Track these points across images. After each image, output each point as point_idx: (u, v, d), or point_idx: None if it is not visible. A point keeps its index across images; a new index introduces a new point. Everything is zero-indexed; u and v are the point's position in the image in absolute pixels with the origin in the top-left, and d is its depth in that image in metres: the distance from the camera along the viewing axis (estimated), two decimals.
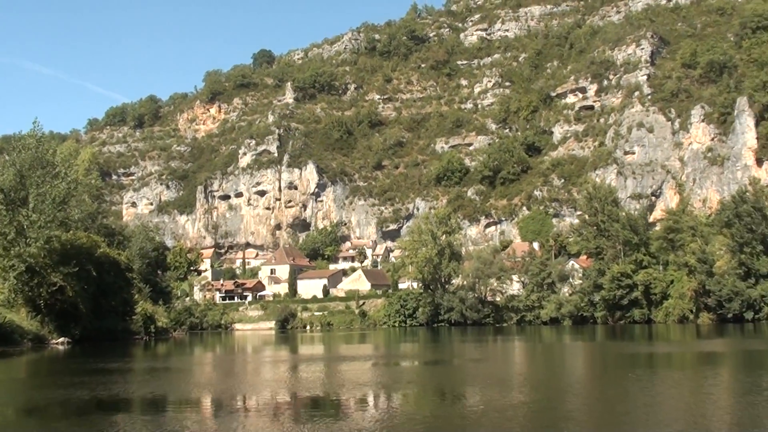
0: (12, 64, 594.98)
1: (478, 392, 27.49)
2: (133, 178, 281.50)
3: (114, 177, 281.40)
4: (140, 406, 26.13)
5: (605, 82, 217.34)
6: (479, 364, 44.71)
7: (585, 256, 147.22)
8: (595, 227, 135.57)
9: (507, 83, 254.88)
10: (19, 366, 52.55)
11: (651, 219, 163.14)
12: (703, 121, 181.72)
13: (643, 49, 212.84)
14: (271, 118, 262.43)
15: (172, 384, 33.21)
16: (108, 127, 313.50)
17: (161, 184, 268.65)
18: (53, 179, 75.41)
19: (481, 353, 57.83)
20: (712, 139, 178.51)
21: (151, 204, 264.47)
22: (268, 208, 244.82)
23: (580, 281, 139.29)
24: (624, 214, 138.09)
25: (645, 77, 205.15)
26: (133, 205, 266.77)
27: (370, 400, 26.32)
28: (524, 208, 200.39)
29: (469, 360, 48.98)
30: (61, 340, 73.14)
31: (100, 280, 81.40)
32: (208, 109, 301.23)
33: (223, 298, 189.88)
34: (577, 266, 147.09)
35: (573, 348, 66.47)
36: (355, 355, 58.09)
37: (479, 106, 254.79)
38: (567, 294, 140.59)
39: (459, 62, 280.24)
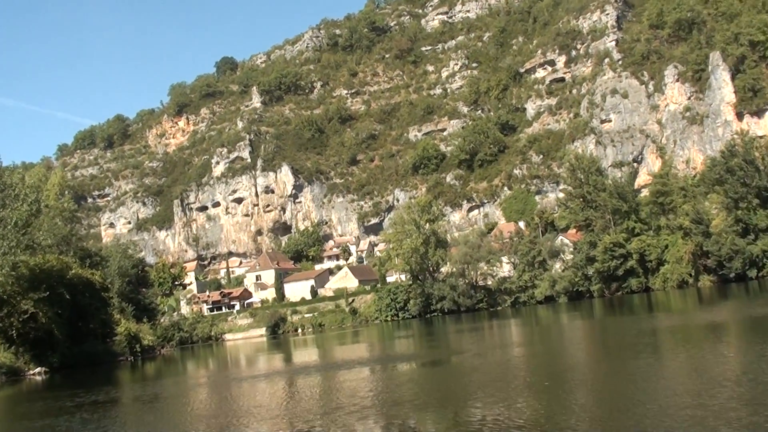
0: None
1: (480, 403, 24.38)
2: (109, 198, 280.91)
3: (89, 200, 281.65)
4: None
5: (573, 53, 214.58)
6: (479, 361, 41.58)
7: (574, 230, 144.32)
8: (581, 199, 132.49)
9: (474, 64, 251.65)
10: None
11: (636, 185, 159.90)
12: (677, 80, 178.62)
13: (608, 14, 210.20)
14: (240, 125, 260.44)
15: (164, 419, 29.54)
16: (78, 150, 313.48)
17: (137, 201, 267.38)
18: (13, 203, 71.15)
19: (478, 345, 54.63)
20: (689, 98, 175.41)
21: (129, 223, 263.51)
22: (246, 215, 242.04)
23: (572, 256, 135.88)
24: (610, 182, 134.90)
25: (613, 43, 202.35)
26: (111, 225, 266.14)
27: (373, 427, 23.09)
28: (505, 188, 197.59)
29: (468, 356, 45.64)
30: (37, 370, 68.92)
31: (74, 303, 76.92)
32: (176, 123, 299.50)
33: (211, 310, 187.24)
34: (566, 241, 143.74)
35: (572, 329, 63.34)
36: (350, 359, 54.54)
37: (448, 90, 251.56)
38: (560, 270, 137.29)
39: (423, 48, 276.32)
